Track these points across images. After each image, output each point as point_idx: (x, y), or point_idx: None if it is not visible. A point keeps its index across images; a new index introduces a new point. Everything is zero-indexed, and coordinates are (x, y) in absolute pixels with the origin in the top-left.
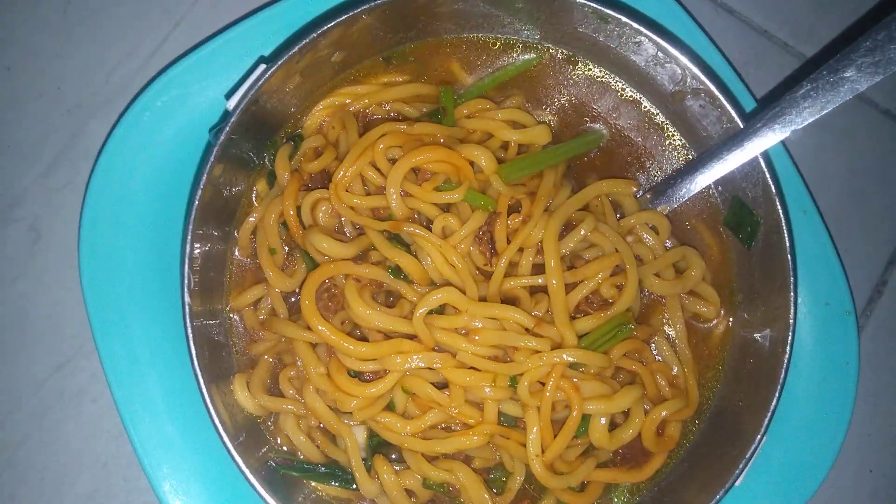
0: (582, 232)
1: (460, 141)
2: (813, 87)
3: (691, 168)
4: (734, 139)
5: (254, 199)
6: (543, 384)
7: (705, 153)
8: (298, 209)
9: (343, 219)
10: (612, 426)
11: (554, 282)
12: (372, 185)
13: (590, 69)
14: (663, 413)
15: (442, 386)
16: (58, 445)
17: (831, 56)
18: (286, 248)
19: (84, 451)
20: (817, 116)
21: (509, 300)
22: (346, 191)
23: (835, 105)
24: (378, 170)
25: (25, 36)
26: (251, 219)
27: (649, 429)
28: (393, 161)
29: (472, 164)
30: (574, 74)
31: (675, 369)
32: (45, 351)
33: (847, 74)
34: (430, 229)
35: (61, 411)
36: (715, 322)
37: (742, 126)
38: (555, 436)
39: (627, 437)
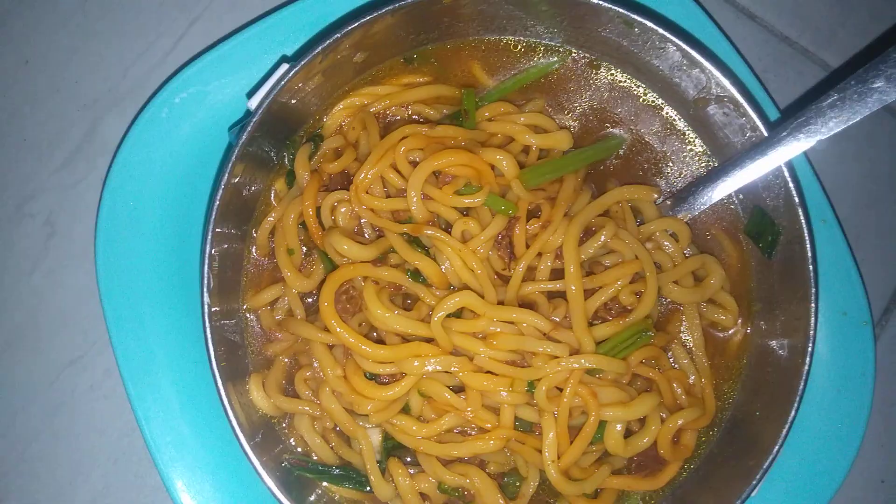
0: (602, 238)
1: (481, 144)
2: (840, 98)
3: (713, 175)
4: (758, 148)
5: (272, 198)
6: (561, 390)
7: (728, 161)
8: (318, 210)
9: (363, 220)
10: (628, 433)
11: (573, 287)
12: (392, 188)
13: (612, 74)
14: (679, 421)
15: (458, 390)
16: (70, 441)
17: (852, 63)
18: (304, 249)
19: (96, 446)
20: (843, 127)
21: (527, 305)
22: (367, 193)
23: (861, 116)
24: (399, 172)
25: (44, 31)
26: (270, 218)
27: (665, 437)
28: (414, 164)
29: (492, 167)
30: (596, 79)
31: (692, 377)
32: (58, 346)
33: (875, 85)
34: (449, 233)
35: (74, 407)
36: (733, 331)
37: (766, 134)
38: (570, 441)
39: (643, 445)
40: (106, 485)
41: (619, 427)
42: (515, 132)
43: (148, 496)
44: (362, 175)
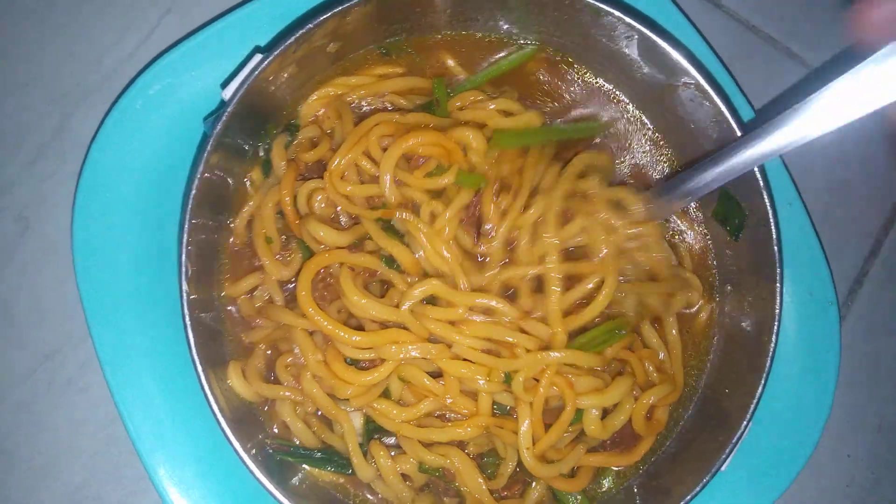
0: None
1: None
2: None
3: (699, 169)
4: (745, 143)
5: (248, 187)
6: (537, 380)
7: (714, 156)
8: (295, 198)
9: (339, 208)
10: (603, 415)
11: (555, 283)
12: (366, 175)
13: (582, 64)
14: (651, 398)
15: (437, 375)
16: (48, 435)
17: (816, 51)
18: (282, 237)
19: (75, 439)
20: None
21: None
22: (342, 179)
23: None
24: (372, 159)
25: (13, 23)
26: (247, 208)
27: (639, 414)
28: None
29: (463, 149)
30: (567, 72)
31: (662, 354)
32: (33, 340)
33: (854, 94)
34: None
35: (51, 400)
36: (697, 308)
37: (732, 121)
38: (547, 427)
39: (619, 424)
40: (86, 477)
41: (595, 412)
42: (485, 117)
43: (129, 486)
44: (336, 162)
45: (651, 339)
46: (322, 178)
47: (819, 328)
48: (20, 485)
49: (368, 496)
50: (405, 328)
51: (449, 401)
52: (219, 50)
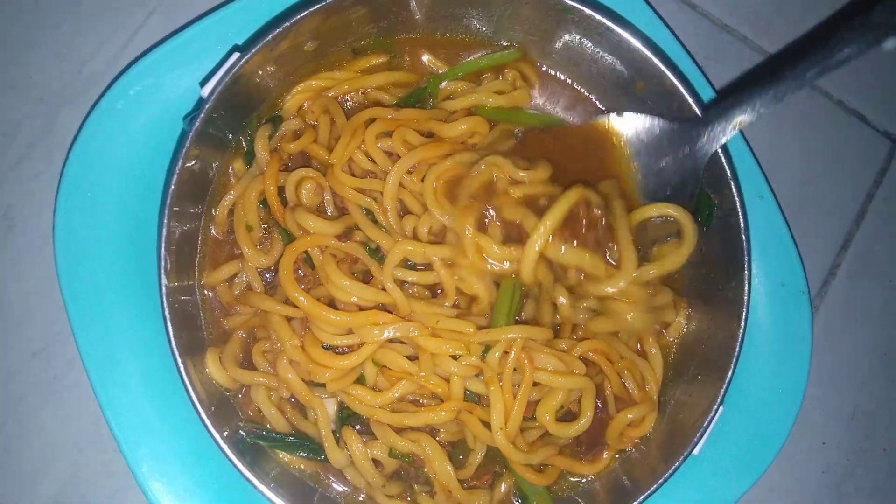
0: None
1: (444, 121)
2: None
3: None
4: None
5: (231, 178)
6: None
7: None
8: (279, 188)
9: (326, 198)
10: (571, 417)
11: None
12: (358, 168)
13: (556, 60)
14: (629, 416)
15: (411, 360)
16: (34, 432)
17: (789, 50)
18: (263, 226)
19: (61, 437)
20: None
21: None
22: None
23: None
24: (368, 155)
25: (0, 25)
26: (229, 196)
27: (615, 430)
28: (386, 151)
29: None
30: (544, 65)
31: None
32: (20, 339)
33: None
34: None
35: (37, 398)
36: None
37: (699, 112)
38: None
39: (573, 431)
40: (73, 474)
41: (557, 399)
42: (476, 100)
43: (115, 482)
44: (341, 153)
45: (628, 353)
46: (306, 167)
47: (791, 317)
48: (7, 481)
49: (338, 487)
50: (386, 310)
51: (423, 376)
52: (199, 50)
